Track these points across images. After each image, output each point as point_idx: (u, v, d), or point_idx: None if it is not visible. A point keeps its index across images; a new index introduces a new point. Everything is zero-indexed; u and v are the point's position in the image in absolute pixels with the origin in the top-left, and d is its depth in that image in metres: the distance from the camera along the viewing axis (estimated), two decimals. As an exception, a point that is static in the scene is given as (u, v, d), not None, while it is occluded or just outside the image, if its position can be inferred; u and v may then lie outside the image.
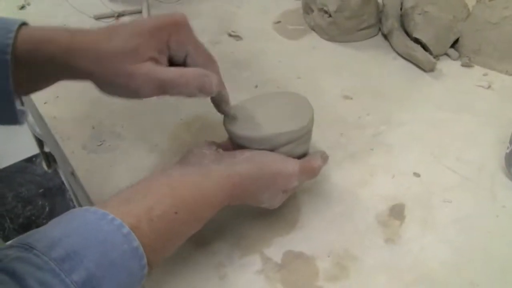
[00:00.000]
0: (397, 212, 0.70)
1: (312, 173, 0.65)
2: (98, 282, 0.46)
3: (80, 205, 1.68)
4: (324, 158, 0.66)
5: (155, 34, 0.58)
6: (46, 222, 1.56)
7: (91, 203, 0.73)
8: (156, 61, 0.59)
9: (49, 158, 2.08)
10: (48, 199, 2.06)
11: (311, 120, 0.66)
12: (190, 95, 0.59)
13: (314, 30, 1.03)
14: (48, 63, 0.58)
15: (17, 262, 0.44)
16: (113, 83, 0.58)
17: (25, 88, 0.61)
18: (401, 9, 0.99)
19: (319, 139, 0.79)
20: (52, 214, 2.00)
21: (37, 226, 1.60)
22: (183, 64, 0.62)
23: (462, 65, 0.94)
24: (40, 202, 2.05)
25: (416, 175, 0.75)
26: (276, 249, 0.65)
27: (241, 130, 0.64)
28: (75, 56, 0.57)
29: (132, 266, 0.49)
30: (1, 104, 0.58)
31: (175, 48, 0.60)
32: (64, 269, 0.44)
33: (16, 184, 2.10)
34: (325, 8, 0.98)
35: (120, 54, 0.56)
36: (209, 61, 0.63)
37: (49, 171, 2.14)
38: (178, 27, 0.60)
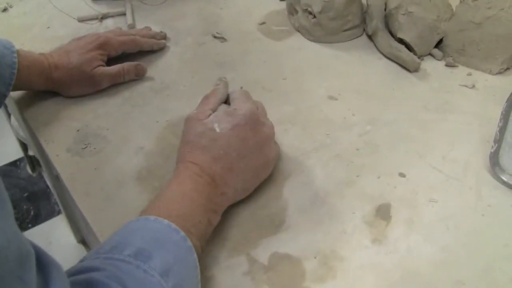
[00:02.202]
0: (383, 212, 0.70)
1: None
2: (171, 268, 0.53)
3: (65, 209, 1.66)
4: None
5: (98, 49, 0.88)
6: (31, 226, 1.56)
7: (75, 206, 0.72)
8: (102, 65, 0.88)
9: (34, 162, 2.06)
10: (33, 203, 2.04)
11: None
12: (131, 79, 0.91)
13: (298, 31, 1.03)
14: (37, 77, 0.83)
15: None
16: (80, 84, 0.86)
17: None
18: (385, 9, 0.99)
19: (305, 140, 0.79)
20: (37, 218, 1.98)
21: (22, 231, 1.58)
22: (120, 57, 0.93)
23: (446, 65, 0.95)
24: (24, 206, 2.03)
25: (402, 175, 0.75)
26: (262, 251, 0.65)
27: None
28: (52, 71, 0.84)
29: (190, 260, 0.56)
30: None
31: (113, 52, 0.91)
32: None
33: (1, 188, 2.08)
34: (310, 9, 0.98)
35: (81, 65, 0.85)
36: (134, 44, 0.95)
37: (34, 174, 2.12)
38: (108, 42, 0.89)
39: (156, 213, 0.57)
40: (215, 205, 0.64)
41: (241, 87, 0.88)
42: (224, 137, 0.66)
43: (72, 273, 0.48)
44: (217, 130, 0.66)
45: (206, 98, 0.73)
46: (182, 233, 0.55)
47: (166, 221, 0.55)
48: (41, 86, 0.85)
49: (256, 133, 0.68)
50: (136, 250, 0.52)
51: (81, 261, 0.52)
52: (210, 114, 0.69)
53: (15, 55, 0.79)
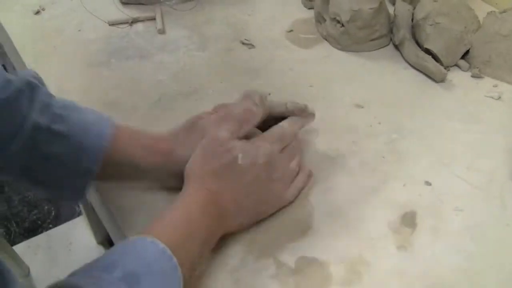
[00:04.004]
0: (408, 219, 0.70)
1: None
2: None
3: (87, 211, 1.68)
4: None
5: None
6: (52, 227, 1.56)
7: (105, 207, 0.74)
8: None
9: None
10: (54, 204, 2.07)
11: None
12: None
13: (326, 40, 1.04)
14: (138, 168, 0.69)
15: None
16: None
17: (104, 178, 0.69)
18: (412, 20, 1.00)
19: (332, 147, 0.80)
20: (57, 219, 2.00)
21: (43, 231, 1.59)
22: None
23: (472, 76, 0.95)
24: (46, 207, 2.06)
25: (427, 183, 0.75)
26: (289, 254, 0.66)
27: None
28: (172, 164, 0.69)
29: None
30: (80, 182, 0.67)
31: None
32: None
33: (23, 188, 2.10)
34: (338, 18, 0.99)
35: None
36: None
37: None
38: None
39: (156, 233, 0.56)
40: (214, 239, 0.63)
41: (269, 94, 0.89)
42: (243, 171, 0.65)
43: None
44: (240, 161, 0.65)
45: (235, 118, 0.69)
46: (175, 261, 0.54)
47: (162, 245, 0.54)
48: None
49: (268, 176, 0.68)
50: (125, 272, 0.51)
51: (72, 275, 0.52)
52: (232, 139, 0.67)
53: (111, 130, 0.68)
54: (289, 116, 0.76)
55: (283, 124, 0.74)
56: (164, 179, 0.71)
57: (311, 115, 0.78)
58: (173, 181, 0.69)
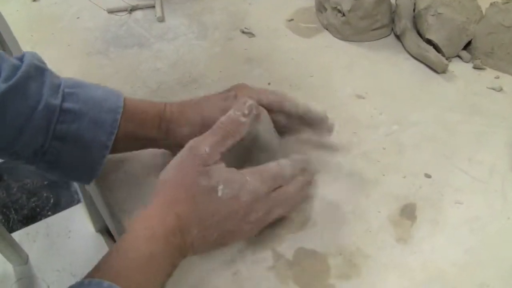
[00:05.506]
0: (408, 212, 0.70)
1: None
2: None
3: (86, 199, 1.68)
4: None
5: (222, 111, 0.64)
6: (51, 214, 1.55)
7: (102, 194, 0.73)
8: None
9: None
10: (53, 191, 2.06)
11: None
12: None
13: (327, 29, 1.04)
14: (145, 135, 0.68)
15: None
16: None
17: (115, 151, 0.69)
18: (414, 10, 0.99)
19: (332, 137, 0.79)
20: (56, 206, 2.00)
21: (42, 218, 1.59)
22: None
23: (474, 67, 0.95)
24: (45, 194, 2.06)
25: (427, 175, 0.75)
26: (288, 246, 0.65)
27: None
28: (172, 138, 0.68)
29: None
30: (95, 158, 0.67)
31: None
32: None
33: (22, 176, 2.10)
34: (339, 7, 0.98)
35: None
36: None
37: (55, 163, 2.14)
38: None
39: (113, 274, 0.50)
40: (174, 269, 0.56)
41: (269, 83, 0.89)
42: (220, 204, 0.57)
43: None
44: (219, 194, 0.57)
45: (220, 130, 0.60)
46: None
47: None
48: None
49: (245, 216, 0.59)
50: None
51: None
52: (217, 161, 0.58)
53: (122, 99, 0.68)
54: (301, 120, 0.69)
55: (284, 162, 0.63)
56: (171, 148, 0.71)
57: (326, 130, 0.71)
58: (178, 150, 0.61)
